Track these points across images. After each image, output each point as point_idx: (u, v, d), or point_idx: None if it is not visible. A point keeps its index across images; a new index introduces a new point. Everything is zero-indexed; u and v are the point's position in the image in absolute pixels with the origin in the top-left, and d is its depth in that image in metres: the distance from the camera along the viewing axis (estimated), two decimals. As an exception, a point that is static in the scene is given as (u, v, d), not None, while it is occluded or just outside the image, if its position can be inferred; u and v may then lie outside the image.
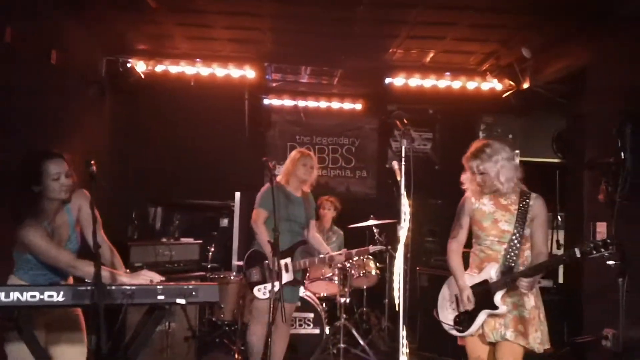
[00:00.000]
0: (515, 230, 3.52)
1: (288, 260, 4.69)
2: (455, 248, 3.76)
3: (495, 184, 3.58)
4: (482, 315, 3.52)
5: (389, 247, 5.46)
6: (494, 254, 3.58)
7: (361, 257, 6.31)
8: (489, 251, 3.60)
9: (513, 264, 3.49)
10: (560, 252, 6.46)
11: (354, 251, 5.04)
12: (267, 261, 4.63)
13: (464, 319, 3.61)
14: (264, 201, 4.74)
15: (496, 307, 3.47)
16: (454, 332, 3.69)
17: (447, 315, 3.74)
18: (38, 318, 3.17)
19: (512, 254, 3.51)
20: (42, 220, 3.17)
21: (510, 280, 3.45)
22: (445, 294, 3.82)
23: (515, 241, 3.51)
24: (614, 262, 3.22)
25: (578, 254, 3.26)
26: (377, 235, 5.43)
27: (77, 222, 3.36)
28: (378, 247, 5.33)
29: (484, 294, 3.52)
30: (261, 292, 4.63)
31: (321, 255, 4.93)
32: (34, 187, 3.14)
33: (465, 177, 3.73)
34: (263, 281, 4.64)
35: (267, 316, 4.66)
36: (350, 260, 6.19)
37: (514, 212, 3.57)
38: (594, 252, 3.22)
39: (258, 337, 4.74)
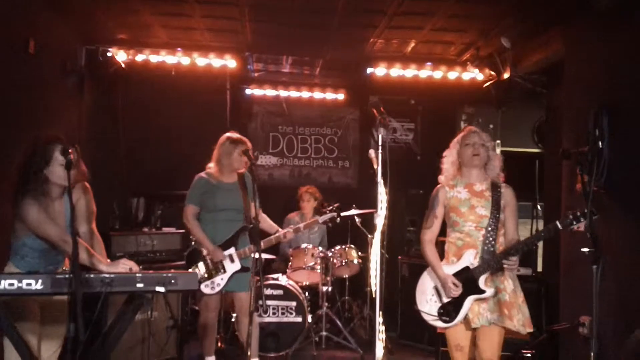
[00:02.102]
0: (492, 215, 3.59)
1: (232, 250, 4.65)
2: (430, 238, 3.78)
3: (492, 163, 3.71)
4: (469, 302, 3.55)
5: (339, 212, 5.33)
6: (472, 240, 3.62)
7: (343, 247, 6.37)
8: (468, 238, 3.64)
9: (492, 249, 3.55)
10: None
11: (301, 225, 4.96)
12: (207, 256, 4.62)
13: (450, 309, 3.61)
14: (191, 196, 4.69)
15: (482, 291, 3.52)
16: (439, 324, 3.67)
17: (429, 308, 3.71)
18: (31, 308, 3.22)
19: (491, 238, 3.57)
20: (42, 201, 3.23)
21: (493, 263, 3.50)
22: (423, 288, 3.80)
23: (493, 226, 3.57)
24: (588, 250, 3.29)
25: (560, 227, 3.40)
26: (331, 206, 5.28)
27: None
28: (328, 216, 5.23)
29: (467, 281, 3.56)
30: (208, 287, 4.60)
31: (269, 237, 4.81)
32: (42, 169, 3.22)
33: (449, 158, 3.75)
34: (209, 277, 4.61)
35: (215, 310, 4.77)
36: (332, 251, 6.25)
37: (488, 198, 3.65)
38: (574, 223, 3.36)
39: (204, 328, 4.79)
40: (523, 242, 3.52)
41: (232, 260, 4.65)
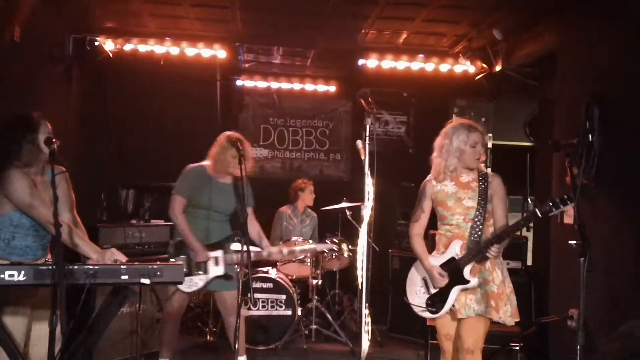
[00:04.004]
0: (479, 206, 3.58)
1: (219, 253, 4.36)
2: (417, 231, 3.79)
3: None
4: (455, 292, 3.56)
5: (339, 245, 5.37)
6: (461, 232, 3.62)
7: (333, 239, 6.33)
8: (457, 230, 3.64)
9: (478, 240, 3.55)
10: (530, 233, 6.55)
11: (297, 249, 4.73)
12: (192, 252, 4.33)
13: (437, 300, 3.64)
14: (181, 187, 4.39)
15: (467, 281, 3.53)
16: (427, 314, 3.71)
17: (418, 300, 3.75)
18: (24, 298, 3.15)
19: (477, 229, 3.56)
20: (29, 174, 3.17)
21: (477, 252, 3.50)
22: (413, 280, 3.83)
23: (480, 216, 3.57)
24: (575, 242, 3.28)
25: (539, 214, 3.37)
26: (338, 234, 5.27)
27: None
28: (327, 246, 5.21)
29: (453, 271, 3.57)
30: (185, 284, 4.25)
31: (259, 250, 4.50)
32: (31, 136, 3.16)
33: (451, 153, 3.66)
34: (188, 273, 4.28)
35: (180, 308, 4.49)
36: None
37: (475, 189, 3.63)
38: (553, 210, 3.34)
39: (169, 325, 4.52)
40: (505, 230, 3.51)
41: (216, 264, 4.37)
